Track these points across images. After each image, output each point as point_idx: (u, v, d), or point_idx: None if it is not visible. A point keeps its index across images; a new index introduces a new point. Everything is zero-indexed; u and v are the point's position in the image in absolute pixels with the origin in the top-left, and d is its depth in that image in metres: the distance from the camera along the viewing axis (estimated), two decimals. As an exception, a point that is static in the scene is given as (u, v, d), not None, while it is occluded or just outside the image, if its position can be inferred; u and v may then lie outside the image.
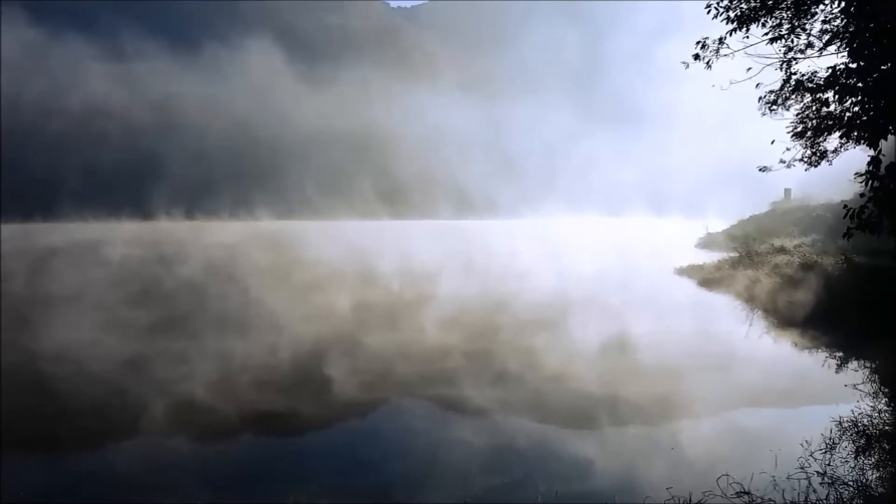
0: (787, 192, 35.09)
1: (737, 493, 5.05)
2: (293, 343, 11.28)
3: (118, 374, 9.14)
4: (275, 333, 12.19)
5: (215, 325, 13.02)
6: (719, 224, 36.09)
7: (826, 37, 6.88)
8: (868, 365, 9.46)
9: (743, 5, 6.98)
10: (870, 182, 5.21)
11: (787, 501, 4.85)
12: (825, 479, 5.31)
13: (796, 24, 7.02)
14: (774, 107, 7.71)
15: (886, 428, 6.48)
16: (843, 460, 5.73)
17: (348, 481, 5.81)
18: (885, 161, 5.23)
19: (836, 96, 6.33)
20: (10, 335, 11.70)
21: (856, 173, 5.55)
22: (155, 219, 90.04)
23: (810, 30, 7.05)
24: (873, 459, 5.75)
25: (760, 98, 7.76)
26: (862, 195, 5.34)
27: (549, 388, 8.69)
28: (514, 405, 8.02)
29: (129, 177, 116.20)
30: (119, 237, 46.90)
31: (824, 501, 4.86)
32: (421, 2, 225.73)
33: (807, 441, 6.08)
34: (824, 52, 6.95)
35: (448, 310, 14.85)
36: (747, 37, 7.10)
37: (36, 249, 34.19)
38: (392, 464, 6.30)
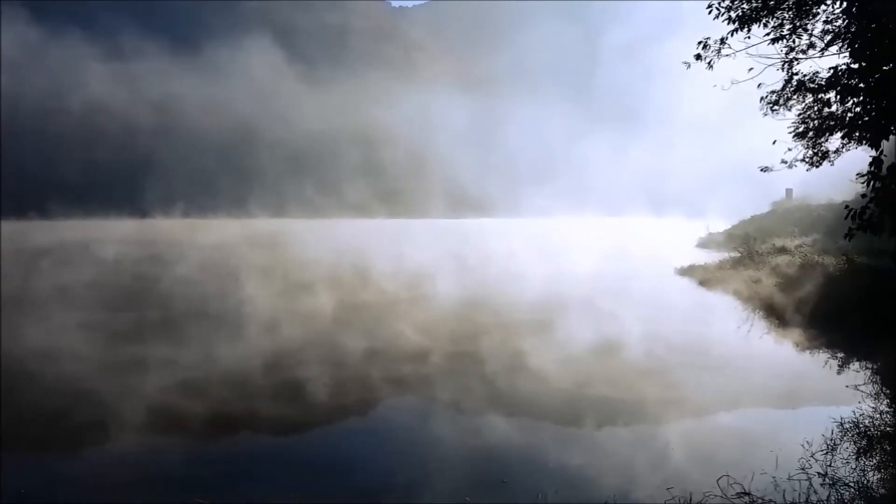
0: (789, 192, 35.03)
1: (737, 493, 5.04)
2: (279, 344, 11.20)
3: (99, 376, 9.04)
4: (263, 334, 12.11)
5: (200, 326, 12.89)
6: (720, 224, 36.06)
7: (828, 37, 6.87)
8: (869, 366, 9.45)
9: (744, 5, 6.97)
10: (871, 182, 5.21)
11: (788, 502, 4.84)
12: (826, 480, 5.30)
13: (798, 24, 7.01)
14: (776, 107, 7.69)
15: (888, 429, 6.48)
16: (845, 461, 5.73)
17: (335, 483, 5.82)
18: (886, 161, 5.23)
19: (838, 96, 6.32)
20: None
21: (857, 174, 5.55)
22: (152, 217, 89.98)
23: (812, 30, 7.04)
24: (875, 460, 5.75)
25: (762, 98, 7.75)
26: (863, 195, 5.33)
27: (548, 388, 8.68)
28: (512, 406, 8.01)
29: (127, 175, 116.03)
30: (113, 236, 46.69)
31: (825, 502, 4.85)
32: (422, 1, 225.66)
33: (808, 442, 6.08)
34: (826, 53, 6.94)
35: (443, 311, 14.75)
36: (749, 37, 7.09)
37: (28, 248, 34.11)
38: (379, 465, 6.30)
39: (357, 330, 12.55)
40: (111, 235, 46.87)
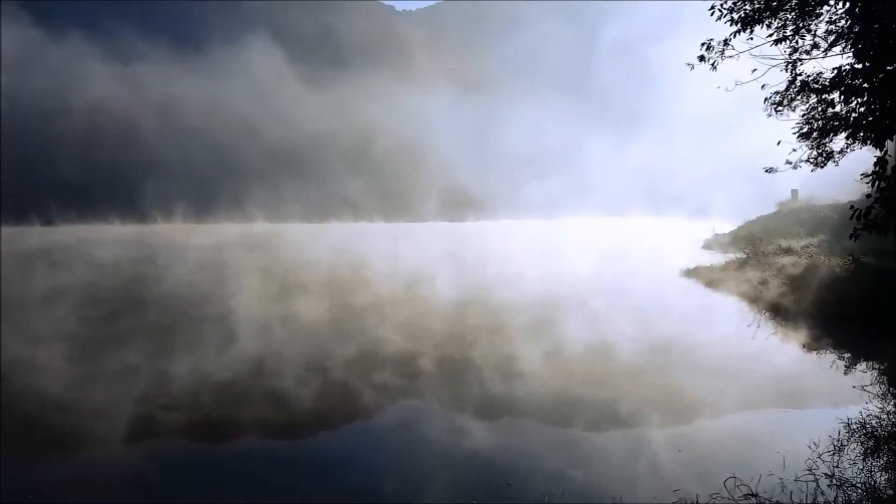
0: (794, 192, 34.87)
1: (744, 495, 5.04)
2: (275, 349, 11.20)
3: (89, 381, 9.05)
4: (261, 338, 12.13)
5: (192, 331, 12.83)
6: (726, 225, 35.93)
7: (831, 38, 6.87)
8: (876, 366, 9.42)
9: (746, 7, 6.99)
10: (876, 182, 5.20)
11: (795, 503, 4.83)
12: (833, 481, 5.29)
13: (801, 25, 7.01)
14: (780, 108, 7.70)
15: (895, 429, 6.45)
16: (852, 462, 5.72)
17: (333, 486, 5.86)
18: (891, 161, 5.23)
19: (842, 97, 6.32)
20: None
21: (862, 174, 5.54)
22: (151, 220, 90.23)
23: (815, 31, 7.05)
24: (882, 461, 5.72)
25: (766, 99, 7.76)
26: (868, 196, 5.32)
27: (558, 389, 8.68)
28: (520, 407, 8.02)
29: (127, 177, 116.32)
30: (112, 240, 46.80)
31: None
32: (425, 5, 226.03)
33: (815, 443, 6.06)
34: (829, 53, 6.94)
35: (441, 315, 14.59)
36: (751, 38, 7.10)
37: (24, 251, 34.23)
38: (380, 468, 6.33)
39: (349, 333, 12.50)
40: (109, 239, 47.01)
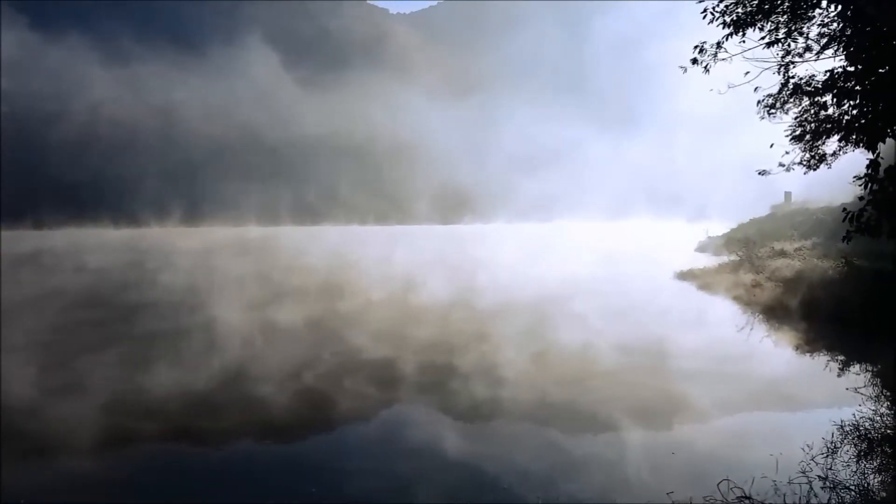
0: (788, 195, 35.05)
1: (738, 497, 5.03)
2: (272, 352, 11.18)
3: (49, 391, 8.85)
4: (263, 342, 12.13)
5: (169, 338, 12.73)
6: (720, 227, 36.06)
7: (823, 40, 6.90)
8: (870, 368, 9.45)
9: (739, 10, 7.00)
10: (868, 185, 5.22)
11: (789, 506, 4.83)
12: (827, 483, 5.29)
13: (793, 28, 7.03)
14: (773, 110, 7.71)
15: (888, 431, 6.46)
16: (845, 464, 5.72)
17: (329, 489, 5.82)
18: (883, 164, 5.24)
19: (835, 99, 6.34)
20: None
21: (855, 176, 5.55)
22: (145, 224, 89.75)
23: (807, 34, 7.07)
24: (875, 463, 5.74)
25: (759, 102, 7.77)
26: (861, 198, 5.34)
27: (549, 393, 8.66)
28: (513, 410, 7.99)
29: (123, 181, 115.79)
30: (97, 244, 46.42)
31: (826, 506, 4.84)
32: (421, 6, 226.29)
33: (808, 445, 6.07)
34: (822, 56, 6.96)
35: (431, 320, 14.59)
36: (744, 41, 7.11)
37: (18, 254, 33.94)
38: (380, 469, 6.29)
39: (336, 340, 12.40)
40: (102, 243, 46.68)
